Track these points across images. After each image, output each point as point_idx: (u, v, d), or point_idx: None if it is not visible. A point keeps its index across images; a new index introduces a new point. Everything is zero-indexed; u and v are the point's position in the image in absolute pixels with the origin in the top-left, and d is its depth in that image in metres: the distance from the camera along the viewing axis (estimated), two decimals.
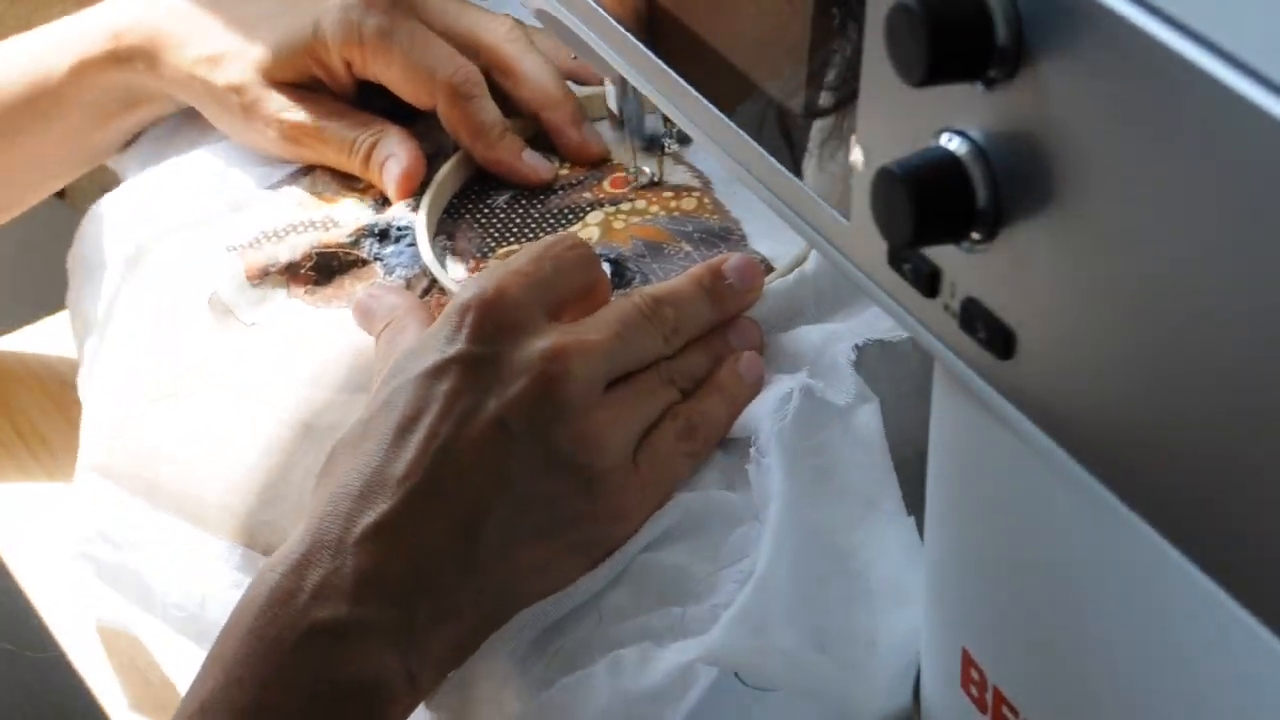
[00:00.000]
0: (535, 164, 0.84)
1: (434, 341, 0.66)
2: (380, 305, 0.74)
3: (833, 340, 0.70)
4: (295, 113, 0.84)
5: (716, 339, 0.71)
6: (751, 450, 0.67)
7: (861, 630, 0.64)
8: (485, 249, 0.81)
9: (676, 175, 0.83)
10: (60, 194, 1.03)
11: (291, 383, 0.76)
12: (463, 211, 0.84)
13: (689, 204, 0.81)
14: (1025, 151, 0.42)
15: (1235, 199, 0.37)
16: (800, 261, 0.75)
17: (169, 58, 0.85)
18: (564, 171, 0.85)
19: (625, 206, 0.81)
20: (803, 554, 0.64)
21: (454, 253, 0.82)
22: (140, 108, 0.88)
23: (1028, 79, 0.41)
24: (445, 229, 0.83)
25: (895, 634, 0.63)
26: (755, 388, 0.69)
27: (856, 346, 0.69)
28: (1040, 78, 0.41)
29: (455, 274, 0.80)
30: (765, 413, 0.68)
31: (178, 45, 0.85)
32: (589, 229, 0.81)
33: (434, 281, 0.79)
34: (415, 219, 0.82)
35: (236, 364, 0.78)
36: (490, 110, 0.83)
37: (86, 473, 0.81)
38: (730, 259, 0.71)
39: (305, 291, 0.80)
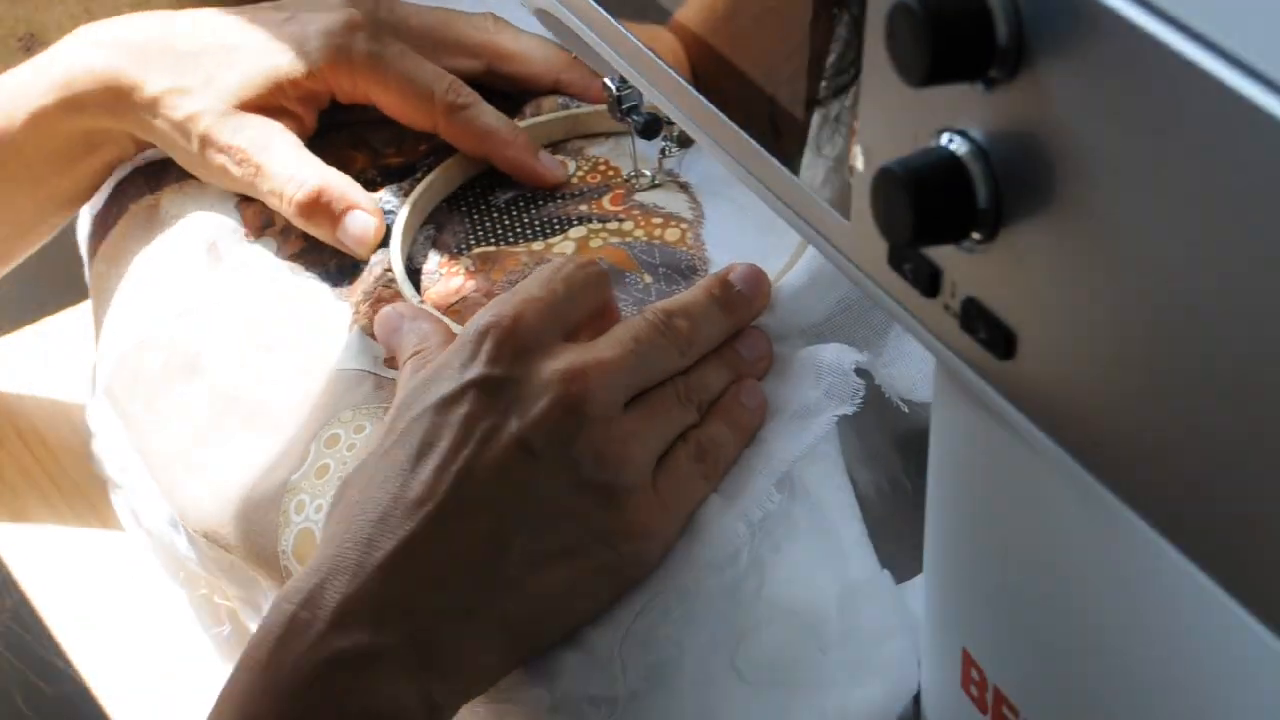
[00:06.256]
0: (549, 165, 0.83)
1: (448, 370, 0.65)
2: (411, 329, 0.72)
3: (842, 354, 0.70)
4: (244, 137, 0.82)
5: (728, 350, 0.70)
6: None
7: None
8: (463, 246, 0.81)
9: (674, 204, 0.82)
10: None
11: (235, 350, 0.78)
12: (461, 203, 0.84)
13: (672, 234, 0.80)
14: (1025, 151, 0.42)
15: (1235, 199, 0.37)
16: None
17: (127, 98, 0.84)
18: (574, 179, 0.84)
19: (612, 225, 0.81)
20: None
21: (436, 245, 0.82)
22: (101, 150, 0.86)
23: (1028, 79, 0.41)
24: (437, 218, 0.83)
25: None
26: (759, 413, 0.69)
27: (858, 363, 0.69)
28: (1040, 78, 0.41)
29: (430, 266, 0.80)
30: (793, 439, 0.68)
31: (135, 86, 0.83)
32: (567, 243, 0.80)
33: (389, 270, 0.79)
34: (401, 211, 0.82)
35: (204, 322, 0.80)
36: (490, 113, 0.83)
37: (98, 395, 0.83)
38: (735, 268, 0.70)
39: (290, 256, 0.82)
